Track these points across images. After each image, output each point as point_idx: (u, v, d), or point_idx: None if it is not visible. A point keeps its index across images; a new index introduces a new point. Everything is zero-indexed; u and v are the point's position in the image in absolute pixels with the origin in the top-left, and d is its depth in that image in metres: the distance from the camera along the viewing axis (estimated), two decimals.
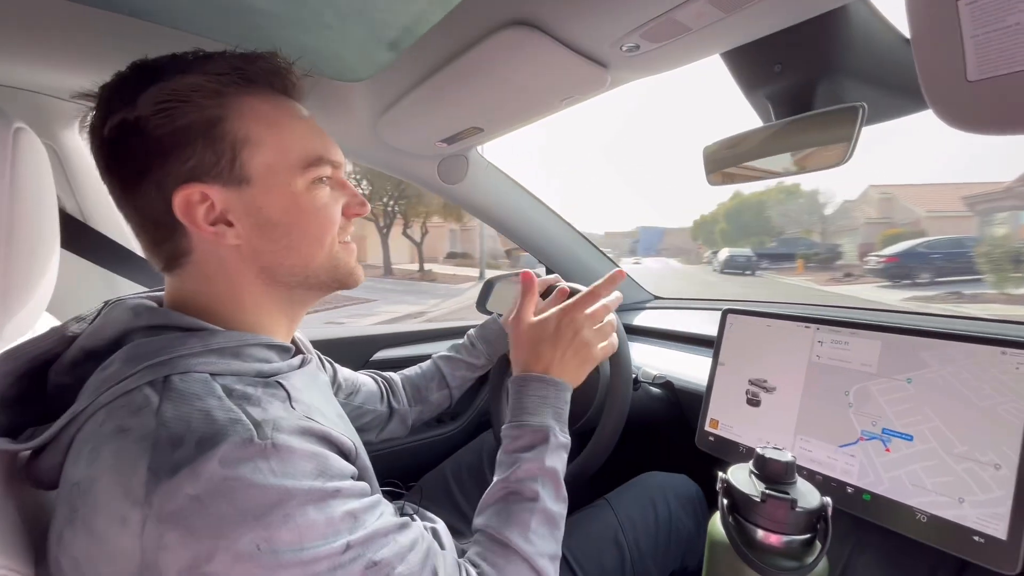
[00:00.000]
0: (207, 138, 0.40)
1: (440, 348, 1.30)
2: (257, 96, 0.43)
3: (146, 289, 0.52)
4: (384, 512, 0.40)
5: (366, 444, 0.77)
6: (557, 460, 0.52)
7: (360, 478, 0.42)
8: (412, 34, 0.67)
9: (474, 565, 0.44)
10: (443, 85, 0.71)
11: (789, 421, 0.72)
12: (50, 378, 0.40)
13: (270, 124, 0.42)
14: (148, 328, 0.40)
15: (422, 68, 0.71)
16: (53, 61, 0.71)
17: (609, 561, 0.69)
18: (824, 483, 0.66)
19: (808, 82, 0.58)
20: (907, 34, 0.39)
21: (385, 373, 0.85)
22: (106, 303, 0.44)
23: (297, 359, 0.48)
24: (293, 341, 0.55)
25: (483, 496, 0.51)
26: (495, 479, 0.51)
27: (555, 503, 0.49)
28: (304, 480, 0.34)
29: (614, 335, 0.64)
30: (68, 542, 0.32)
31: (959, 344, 0.60)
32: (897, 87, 0.55)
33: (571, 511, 0.78)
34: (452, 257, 30.27)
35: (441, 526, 0.75)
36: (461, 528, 0.83)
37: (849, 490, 0.64)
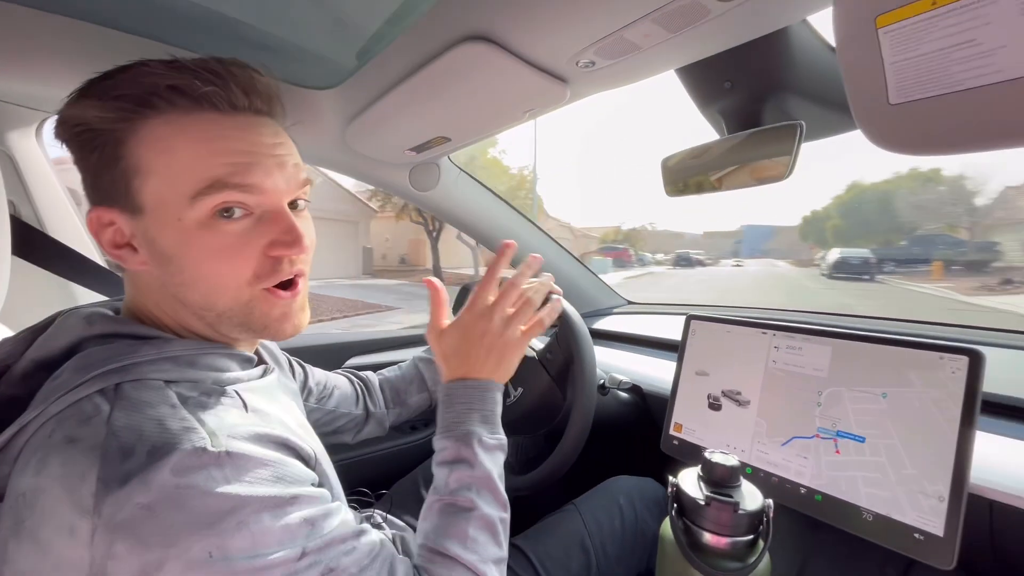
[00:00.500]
0: (103, 162, 0.39)
1: (415, 354, 1.31)
2: (161, 117, 0.38)
3: (105, 298, 0.51)
4: (344, 519, 0.40)
5: (343, 446, 0.78)
6: (491, 464, 0.51)
7: (320, 485, 0.42)
8: (380, 43, 0.67)
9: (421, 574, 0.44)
10: (409, 95, 0.72)
11: (748, 424, 0.74)
12: (0, 390, 0.39)
13: (163, 150, 0.38)
14: (101, 336, 0.40)
15: (389, 77, 0.72)
16: (10, 68, 0.69)
17: (576, 565, 0.70)
18: (779, 484, 0.68)
19: (756, 99, 0.60)
20: None
21: (363, 373, 0.84)
22: (59, 313, 0.43)
23: (258, 369, 0.48)
24: (256, 351, 0.54)
25: (420, 512, 0.50)
26: (429, 493, 0.51)
27: (493, 508, 0.49)
28: (259, 486, 0.34)
29: (544, 311, 0.60)
30: (13, 554, 0.32)
31: (901, 349, 0.62)
32: (836, 105, 0.58)
33: (539, 516, 0.79)
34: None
35: (410, 534, 0.75)
36: None
37: (802, 491, 0.66)
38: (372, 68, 0.72)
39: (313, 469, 0.42)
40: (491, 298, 0.57)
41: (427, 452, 1.03)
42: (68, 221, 0.92)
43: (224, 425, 0.35)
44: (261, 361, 0.52)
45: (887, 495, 0.59)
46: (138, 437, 0.32)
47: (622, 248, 37.33)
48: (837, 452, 0.64)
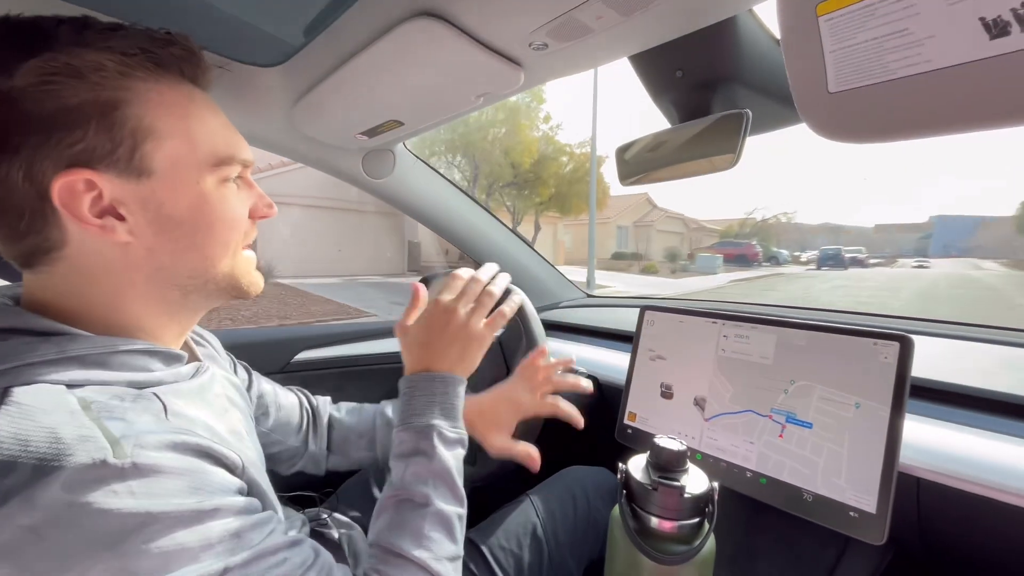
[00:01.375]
0: (103, 122, 0.35)
1: (368, 348, 1.27)
2: (166, 83, 0.39)
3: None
4: (274, 529, 0.37)
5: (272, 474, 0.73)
6: (449, 458, 0.50)
7: (249, 494, 0.39)
8: (328, 17, 0.64)
9: None
10: (357, 74, 0.69)
11: (697, 412, 0.76)
12: None
13: (180, 116, 0.39)
14: None
15: (336, 55, 0.68)
16: None
17: (528, 555, 0.69)
18: (727, 469, 0.70)
19: (706, 89, 0.61)
20: None
21: (316, 400, 0.76)
22: None
23: (189, 367, 0.44)
24: (188, 347, 0.50)
25: (375, 507, 0.49)
26: (384, 489, 0.50)
27: (449, 503, 0.48)
28: (172, 499, 0.31)
29: (505, 305, 0.61)
30: None
31: (841, 337, 0.65)
32: (782, 98, 0.59)
33: (494, 507, 0.79)
34: (620, 259, 25.22)
35: (358, 531, 0.73)
36: None
37: (748, 475, 0.68)
38: (319, 44, 0.68)
39: (240, 477, 0.39)
40: (454, 293, 0.58)
41: None
42: None
43: (131, 432, 0.32)
44: (193, 358, 0.48)
45: (825, 477, 0.61)
46: (23, 448, 0.29)
47: (744, 244, 30.35)
48: (780, 436, 0.67)
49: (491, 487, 0.88)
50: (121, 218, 0.38)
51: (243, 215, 0.44)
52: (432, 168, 1.18)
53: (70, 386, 0.33)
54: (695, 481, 0.46)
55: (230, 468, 0.38)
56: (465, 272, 0.61)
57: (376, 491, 0.86)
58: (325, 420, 0.75)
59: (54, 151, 0.35)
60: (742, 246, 29.30)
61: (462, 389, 0.55)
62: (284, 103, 0.84)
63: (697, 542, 0.44)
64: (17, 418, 0.30)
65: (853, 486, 0.59)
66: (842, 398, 0.63)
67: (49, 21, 0.36)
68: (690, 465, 0.48)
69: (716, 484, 0.45)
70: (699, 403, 0.76)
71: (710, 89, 0.61)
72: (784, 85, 0.42)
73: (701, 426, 0.75)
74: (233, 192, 0.43)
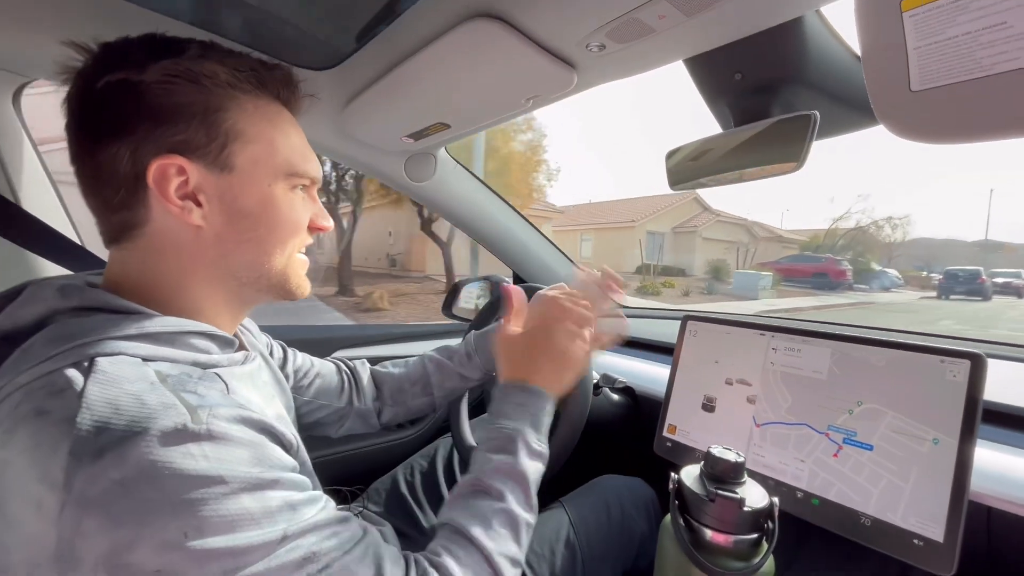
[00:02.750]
0: (204, 121, 0.41)
1: (408, 350, 1.27)
2: (263, 99, 0.45)
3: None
4: (325, 506, 0.39)
5: (326, 439, 0.75)
6: (528, 466, 0.51)
7: (300, 474, 0.40)
8: (381, 22, 0.65)
9: (435, 554, 0.43)
10: (409, 77, 0.70)
11: (744, 426, 0.73)
12: None
13: (268, 126, 0.45)
14: (75, 310, 0.38)
15: (388, 58, 0.70)
16: None
17: (561, 562, 0.69)
18: (776, 488, 0.67)
19: (766, 91, 0.60)
20: (857, 49, 0.40)
21: (353, 363, 0.79)
22: (28, 283, 0.41)
23: (240, 355, 0.47)
24: (236, 336, 0.52)
25: (452, 491, 0.50)
26: (465, 476, 0.51)
27: (522, 508, 0.48)
28: (240, 467, 0.33)
29: (606, 339, 0.65)
30: None
31: (901, 352, 0.62)
32: (848, 101, 0.57)
33: None
34: (641, 273, 19.08)
35: (388, 530, 0.73)
36: (410, 533, 0.80)
37: (799, 495, 0.65)
38: (373, 47, 0.70)
39: (294, 457, 0.41)
40: (562, 314, 0.61)
41: (410, 452, 1.01)
42: (44, 196, 0.87)
43: (205, 404, 0.34)
44: (242, 347, 0.51)
45: (886, 500, 0.58)
46: (114, 411, 0.31)
47: (825, 259, 20.88)
48: (835, 456, 0.63)
49: None
50: (199, 204, 0.42)
51: (303, 222, 0.48)
52: (471, 172, 1.18)
53: (145, 360, 0.36)
54: (753, 495, 0.44)
55: (285, 446, 0.40)
56: (572, 291, 0.65)
57: (406, 491, 0.86)
58: (365, 378, 0.77)
59: (159, 138, 0.40)
60: (821, 261, 20.57)
61: (552, 407, 0.57)
62: (334, 106, 0.86)
63: (756, 560, 0.42)
64: (106, 385, 0.32)
65: (917, 513, 0.55)
66: (918, 430, 0.58)
67: (184, 39, 0.43)
68: (747, 478, 0.46)
69: (776, 500, 0.43)
70: (751, 400, 0.73)
71: (770, 92, 0.59)
72: (853, 85, 0.41)
73: (748, 441, 0.72)
74: (299, 200, 0.48)
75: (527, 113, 0.78)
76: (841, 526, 0.60)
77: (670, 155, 0.72)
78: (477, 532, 0.44)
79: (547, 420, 0.56)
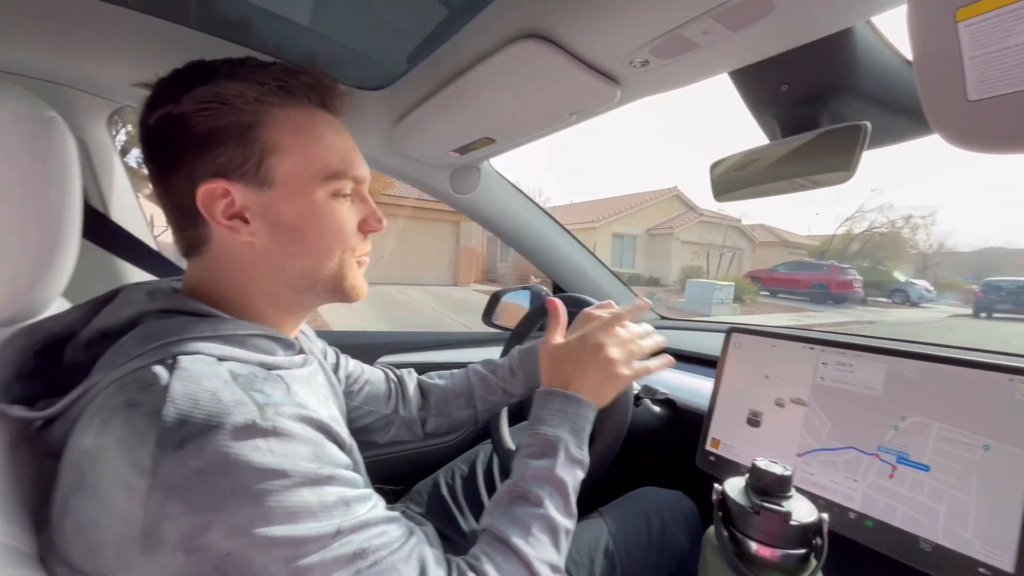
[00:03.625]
0: (240, 140, 0.43)
1: (450, 357, 1.31)
2: (294, 107, 0.45)
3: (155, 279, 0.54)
4: (376, 504, 0.40)
5: (371, 444, 0.77)
6: (567, 473, 0.51)
7: (354, 472, 0.42)
8: (431, 45, 0.69)
9: (475, 559, 0.44)
10: (457, 95, 0.73)
11: (791, 442, 0.71)
12: (65, 355, 0.42)
13: (301, 134, 0.45)
14: (161, 312, 0.42)
15: (438, 78, 0.73)
16: (88, 59, 0.74)
17: (600, 571, 0.68)
18: (826, 507, 0.64)
19: (814, 102, 0.59)
20: (909, 56, 0.40)
21: (401, 372, 0.82)
22: (123, 287, 0.46)
23: (300, 358, 0.50)
24: (296, 339, 0.56)
25: (492, 497, 0.51)
26: (505, 483, 0.52)
27: (561, 514, 0.49)
28: (301, 462, 0.35)
29: (654, 362, 0.65)
30: (74, 507, 0.34)
31: (963, 370, 0.59)
32: (900, 109, 0.56)
33: None
34: (650, 285, 16.68)
35: (431, 530, 0.75)
36: (451, 536, 0.82)
37: (851, 516, 0.62)
38: (423, 68, 0.73)
39: (348, 456, 0.43)
40: (609, 331, 0.62)
41: (450, 455, 1.04)
42: (129, 208, 0.97)
43: (271, 402, 0.37)
44: (301, 350, 0.53)
45: (948, 525, 0.55)
46: (194, 405, 0.34)
47: (827, 267, 17.32)
48: (891, 476, 0.61)
49: None
50: (246, 221, 0.44)
51: (350, 227, 0.49)
52: (513, 185, 1.21)
53: (220, 359, 0.39)
54: (801, 509, 0.43)
55: (340, 445, 0.42)
56: (616, 308, 0.66)
57: (447, 495, 0.88)
58: (412, 388, 0.80)
59: (204, 163, 0.43)
60: (822, 270, 17.02)
61: (592, 416, 0.57)
62: (385, 124, 0.91)
63: None
64: (187, 381, 0.35)
65: (983, 539, 0.52)
66: (966, 438, 0.56)
67: (217, 61, 0.44)
68: (795, 492, 0.45)
69: (826, 516, 0.42)
70: (799, 417, 0.71)
71: (818, 102, 0.58)
72: (905, 95, 0.40)
73: (795, 457, 0.70)
74: (343, 205, 0.48)
75: (571, 126, 0.80)
76: (898, 551, 0.57)
77: (714, 166, 0.71)
78: (516, 538, 0.45)
79: (587, 428, 0.56)
